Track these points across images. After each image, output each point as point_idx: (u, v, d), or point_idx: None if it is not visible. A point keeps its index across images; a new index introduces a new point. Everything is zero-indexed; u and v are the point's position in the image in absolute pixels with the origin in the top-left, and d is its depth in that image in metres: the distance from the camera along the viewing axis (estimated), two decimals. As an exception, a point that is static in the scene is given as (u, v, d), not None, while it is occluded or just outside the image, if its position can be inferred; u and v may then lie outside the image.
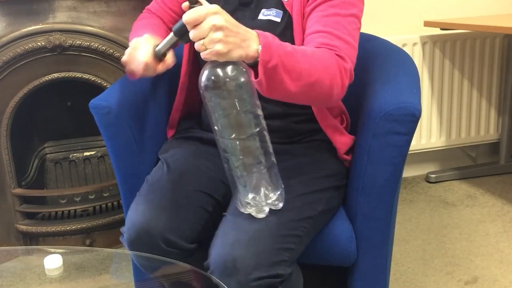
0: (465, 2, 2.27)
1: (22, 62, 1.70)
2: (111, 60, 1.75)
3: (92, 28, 1.71)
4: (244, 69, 0.90)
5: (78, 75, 1.76)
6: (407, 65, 1.23)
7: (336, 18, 1.04)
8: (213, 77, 0.89)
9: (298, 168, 1.12)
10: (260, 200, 0.97)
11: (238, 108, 0.91)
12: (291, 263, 0.99)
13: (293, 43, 1.11)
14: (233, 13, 1.15)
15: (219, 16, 0.85)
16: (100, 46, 1.72)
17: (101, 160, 2.09)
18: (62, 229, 1.81)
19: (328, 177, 1.13)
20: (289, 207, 1.01)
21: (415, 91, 1.10)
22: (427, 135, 2.27)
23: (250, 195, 0.97)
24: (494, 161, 2.41)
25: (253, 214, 0.99)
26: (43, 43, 1.67)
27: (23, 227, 1.82)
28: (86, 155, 2.08)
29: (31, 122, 1.97)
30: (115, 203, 1.91)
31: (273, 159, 0.98)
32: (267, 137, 0.96)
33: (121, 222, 1.84)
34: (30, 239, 1.85)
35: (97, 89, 1.60)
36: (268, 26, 1.13)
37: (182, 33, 0.94)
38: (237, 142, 0.93)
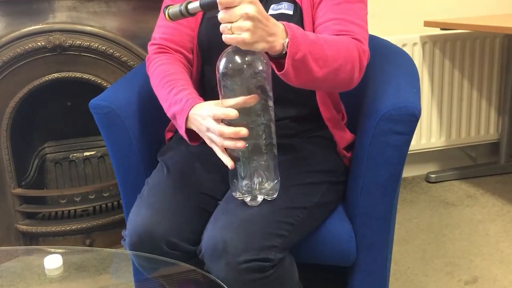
0: (465, 2, 2.27)
1: (22, 62, 1.70)
2: (111, 60, 1.75)
3: (92, 28, 1.71)
4: (262, 58, 0.92)
5: (78, 75, 1.76)
6: (407, 65, 1.23)
7: (346, 5, 1.08)
8: (231, 64, 0.91)
9: (295, 161, 1.13)
10: (254, 187, 0.98)
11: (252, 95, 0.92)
12: (282, 250, 0.99)
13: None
14: None
15: (253, 6, 0.85)
16: (100, 46, 1.72)
17: (101, 160, 2.09)
18: (62, 229, 1.81)
19: (325, 172, 1.14)
20: (282, 195, 1.02)
21: (415, 91, 1.10)
22: (427, 135, 2.27)
23: (245, 181, 0.98)
24: (494, 161, 2.41)
25: (246, 201, 1.00)
26: (43, 43, 1.68)
27: (23, 227, 1.82)
28: (86, 155, 2.08)
29: (31, 122, 1.97)
30: (115, 203, 1.91)
31: (275, 151, 0.99)
32: (274, 129, 0.98)
33: (121, 222, 1.85)
34: (30, 239, 1.85)
35: (97, 89, 1.60)
36: (280, 19, 1.13)
37: (208, 8, 0.93)
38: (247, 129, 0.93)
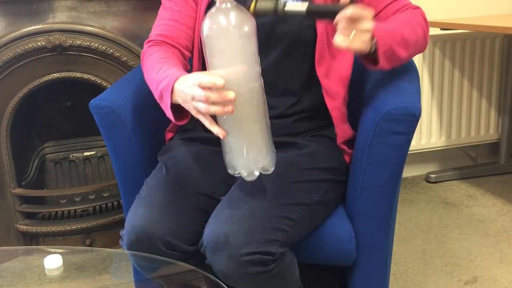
0: (465, 2, 2.27)
1: (22, 62, 1.70)
2: (111, 60, 1.75)
3: (92, 28, 1.71)
4: (249, 18, 0.87)
5: (78, 75, 1.76)
6: (407, 65, 1.23)
7: None
8: (215, 26, 0.87)
9: (297, 158, 1.13)
10: (251, 162, 0.94)
11: (240, 59, 0.88)
12: (284, 244, 1.00)
13: (315, 31, 1.13)
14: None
15: (373, 23, 0.99)
16: (100, 46, 1.72)
17: (101, 160, 2.09)
18: (62, 229, 1.81)
19: (327, 170, 1.14)
20: (283, 191, 1.03)
21: (415, 91, 1.10)
22: (427, 135, 2.27)
23: (239, 155, 0.94)
24: (494, 161, 2.41)
25: (243, 176, 0.96)
26: (43, 43, 1.67)
27: (23, 227, 1.82)
28: (86, 155, 2.08)
29: (31, 122, 1.97)
30: (115, 203, 1.91)
31: (268, 121, 0.95)
32: (264, 96, 0.93)
33: (121, 222, 1.84)
34: (30, 239, 1.85)
35: (97, 89, 1.60)
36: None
37: (319, 16, 1.00)
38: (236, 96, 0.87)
